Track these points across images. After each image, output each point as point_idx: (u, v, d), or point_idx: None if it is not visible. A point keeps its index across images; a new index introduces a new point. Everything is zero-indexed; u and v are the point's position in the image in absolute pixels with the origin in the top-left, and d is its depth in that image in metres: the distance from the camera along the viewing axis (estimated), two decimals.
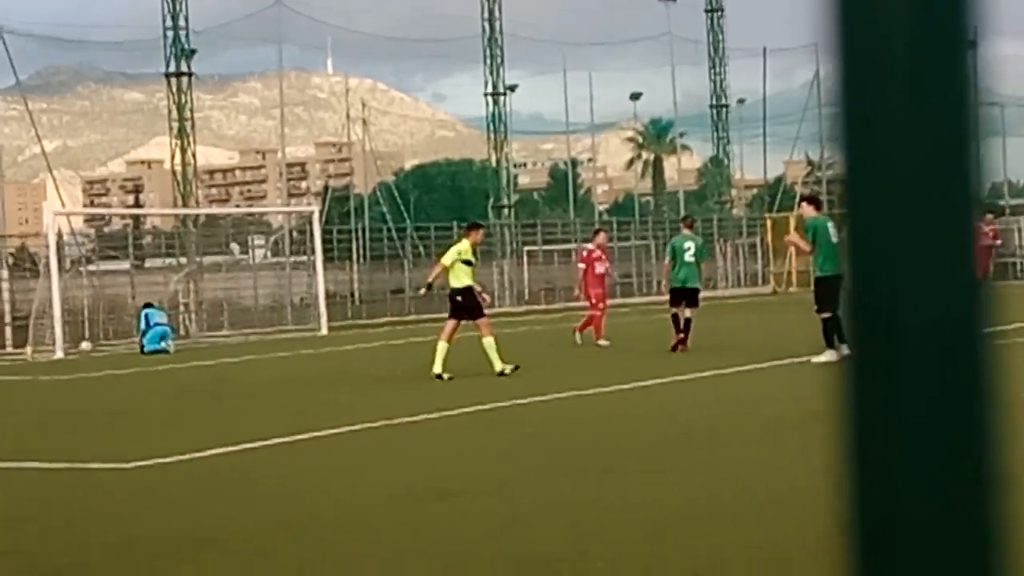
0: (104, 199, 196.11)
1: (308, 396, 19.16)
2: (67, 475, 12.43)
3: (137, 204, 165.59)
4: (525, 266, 55.82)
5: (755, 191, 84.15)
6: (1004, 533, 1.31)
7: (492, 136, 61.75)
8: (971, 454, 1.31)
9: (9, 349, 36.88)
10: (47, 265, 35.16)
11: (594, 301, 27.63)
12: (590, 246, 29.51)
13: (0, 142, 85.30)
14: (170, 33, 51.52)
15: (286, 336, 38.52)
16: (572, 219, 62.68)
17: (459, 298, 21.05)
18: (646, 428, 14.01)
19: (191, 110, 52.46)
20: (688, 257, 24.98)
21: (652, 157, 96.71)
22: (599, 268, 28.17)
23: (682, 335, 24.16)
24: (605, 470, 11.12)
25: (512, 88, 61.88)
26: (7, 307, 38.96)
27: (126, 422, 17.19)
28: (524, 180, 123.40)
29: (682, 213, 51.34)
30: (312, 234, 42.08)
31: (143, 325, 33.51)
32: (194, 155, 52.54)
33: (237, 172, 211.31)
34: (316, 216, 43.08)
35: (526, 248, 56.33)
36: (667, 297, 25.45)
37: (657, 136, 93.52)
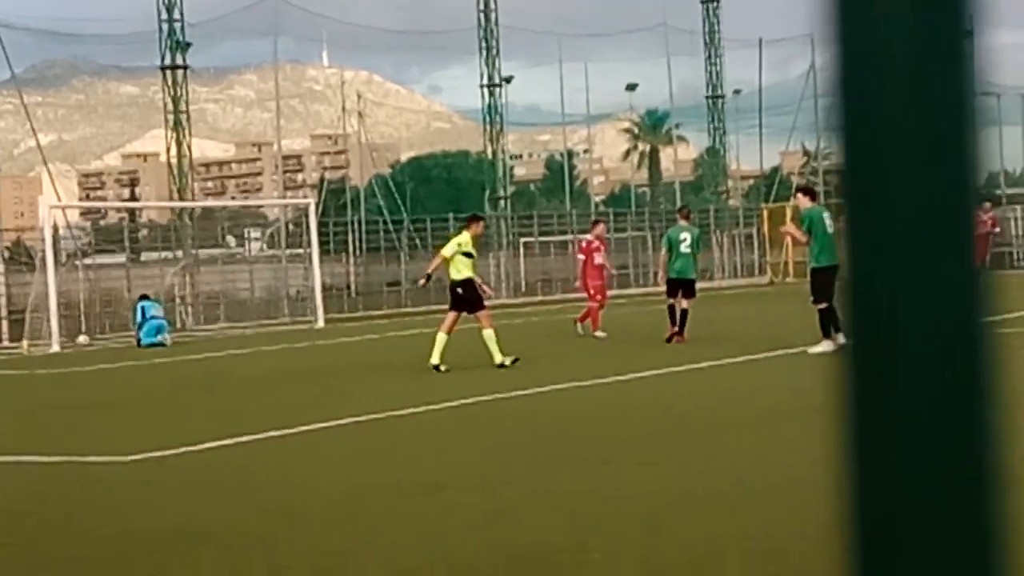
0: (100, 192, 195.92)
1: (303, 389, 19.16)
2: (64, 469, 12.43)
3: (133, 197, 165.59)
4: (521, 258, 55.81)
5: (751, 182, 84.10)
6: (1004, 532, 1.31)
7: (488, 128, 61.66)
8: (970, 449, 1.30)
9: (5, 343, 36.87)
10: (43, 259, 35.12)
11: (592, 292, 27.63)
12: (589, 236, 29.44)
13: None
14: (165, 26, 51.42)
15: (282, 329, 38.52)
16: (568, 210, 62.63)
17: (459, 290, 21.04)
18: (643, 419, 14.02)
19: (187, 103, 52.36)
20: (684, 248, 24.99)
21: (648, 148, 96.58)
22: (598, 259, 28.14)
23: (677, 328, 24.19)
24: (602, 461, 11.13)
25: (508, 80, 61.74)
26: (3, 301, 38.94)
27: (122, 416, 17.19)
28: (520, 172, 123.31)
29: (678, 204, 51.30)
30: (308, 226, 42.04)
31: (139, 318, 33.48)
32: (190, 148, 52.43)
33: (233, 165, 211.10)
34: (312, 208, 43.04)
35: (522, 240, 56.29)
36: (663, 288, 25.46)
37: (653, 127, 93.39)
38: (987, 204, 34.88)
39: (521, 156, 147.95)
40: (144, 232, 54.60)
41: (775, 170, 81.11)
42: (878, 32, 1.30)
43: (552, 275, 54.38)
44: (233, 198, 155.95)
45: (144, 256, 49.21)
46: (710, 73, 67.09)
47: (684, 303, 24.38)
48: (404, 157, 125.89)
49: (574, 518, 8.78)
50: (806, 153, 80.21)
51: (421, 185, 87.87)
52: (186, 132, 51.97)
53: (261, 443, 13.35)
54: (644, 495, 9.46)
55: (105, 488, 11.17)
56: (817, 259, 20.58)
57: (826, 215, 20.58)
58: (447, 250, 21.25)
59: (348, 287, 50.49)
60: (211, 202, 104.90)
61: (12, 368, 27.82)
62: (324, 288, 42.08)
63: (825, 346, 19.39)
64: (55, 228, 38.57)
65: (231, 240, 53.15)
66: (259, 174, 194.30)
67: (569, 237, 54.87)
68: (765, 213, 58.87)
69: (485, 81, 60.83)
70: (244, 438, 13.55)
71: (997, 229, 36.45)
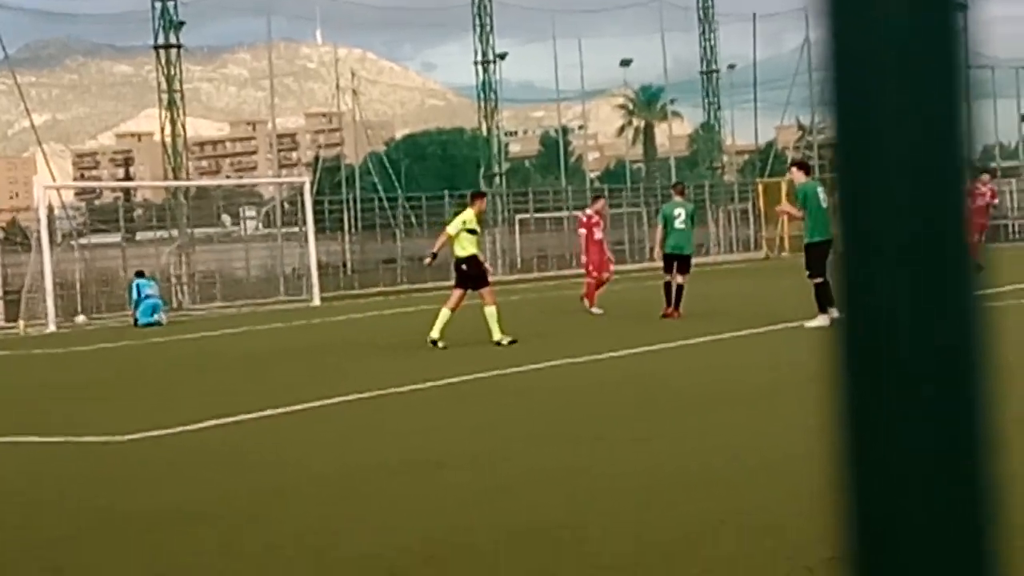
0: (94, 172, 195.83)
1: (299, 368, 19.18)
2: (60, 448, 12.44)
3: (127, 177, 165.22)
4: (517, 234, 55.82)
5: (746, 156, 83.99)
6: (1002, 531, 1.30)
7: (482, 105, 61.58)
8: (966, 427, 1.29)
9: (1, 323, 36.87)
10: (38, 239, 35.13)
11: (590, 268, 27.61)
12: (589, 211, 29.31)
13: None
14: (158, 5, 51.33)
15: (278, 307, 38.53)
16: (564, 187, 62.60)
17: (464, 267, 21.02)
18: (638, 396, 14.02)
19: (180, 82, 52.30)
20: (679, 224, 24.98)
21: (643, 124, 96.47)
22: (597, 234, 28.10)
23: (671, 307, 24.21)
24: (597, 438, 11.13)
25: (502, 56, 61.64)
26: None
27: (119, 395, 17.21)
28: (515, 148, 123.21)
29: (673, 179, 51.26)
30: (303, 205, 42.02)
31: (135, 295, 33.48)
32: (184, 127, 52.39)
33: (227, 144, 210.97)
34: (307, 187, 42.99)
35: (518, 216, 56.30)
36: (660, 264, 25.45)
37: (648, 103, 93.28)
38: (986, 176, 34.83)
39: (516, 133, 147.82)
40: (139, 212, 54.52)
41: (770, 145, 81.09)
42: (869, 5, 1.29)
43: (548, 251, 54.40)
44: (228, 177, 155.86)
45: (139, 236, 49.18)
46: (704, 48, 67.04)
47: (679, 278, 24.39)
48: (399, 134, 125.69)
49: (570, 495, 8.78)
50: (801, 127, 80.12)
51: (416, 162, 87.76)
52: (180, 111, 51.91)
53: (257, 422, 13.35)
54: (638, 471, 9.47)
55: (102, 467, 11.18)
56: (811, 234, 20.59)
57: (820, 190, 20.58)
58: (452, 227, 21.22)
59: (344, 265, 50.52)
60: (206, 181, 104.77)
61: (8, 348, 27.83)
62: (320, 266, 42.10)
63: (822, 320, 19.40)
64: (50, 208, 38.55)
65: (226, 219, 53.15)
66: (253, 153, 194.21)
67: (565, 214, 54.87)
68: (760, 188, 58.86)
69: (479, 58, 60.75)
70: (240, 417, 13.55)
71: (996, 200, 36.43)
